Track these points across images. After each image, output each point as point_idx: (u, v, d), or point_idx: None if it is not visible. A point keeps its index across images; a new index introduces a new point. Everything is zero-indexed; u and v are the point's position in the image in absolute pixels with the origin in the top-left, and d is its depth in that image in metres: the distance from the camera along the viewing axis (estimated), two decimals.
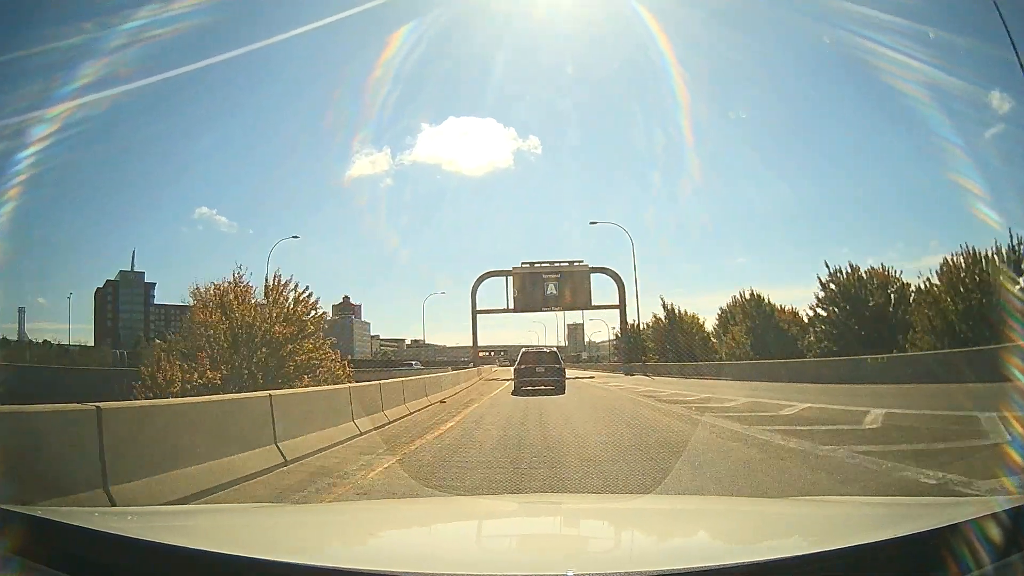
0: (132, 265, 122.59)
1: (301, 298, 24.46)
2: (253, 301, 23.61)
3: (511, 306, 55.58)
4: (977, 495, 4.74)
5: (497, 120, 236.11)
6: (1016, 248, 23.61)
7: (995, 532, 1.41)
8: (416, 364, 77.50)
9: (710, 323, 47.27)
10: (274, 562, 1.42)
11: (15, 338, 64.62)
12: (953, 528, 1.43)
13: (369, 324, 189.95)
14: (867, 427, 9.54)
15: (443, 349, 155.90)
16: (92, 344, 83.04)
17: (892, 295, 31.64)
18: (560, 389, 21.70)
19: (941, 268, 26.93)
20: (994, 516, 1.45)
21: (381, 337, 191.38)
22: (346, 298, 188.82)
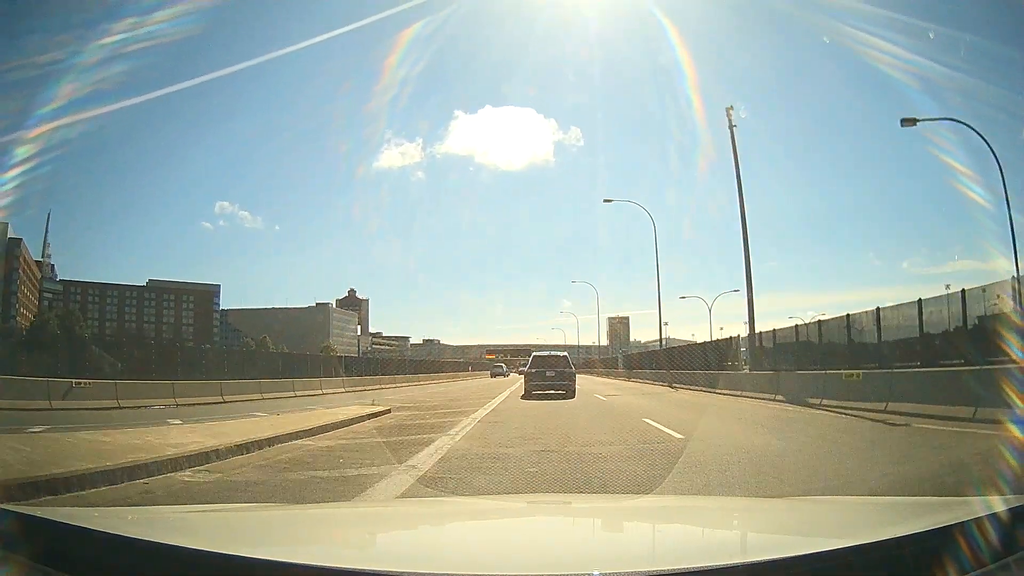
0: (44, 235, 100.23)
1: None
2: None
3: None
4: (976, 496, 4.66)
5: (537, 110, 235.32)
6: None
7: (995, 532, 1.42)
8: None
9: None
10: (274, 562, 1.42)
11: None
12: (953, 528, 1.44)
13: (355, 316, 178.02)
14: None
15: (456, 349, 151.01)
16: None
17: None
18: (571, 394, 22.18)
19: None
20: (994, 516, 1.46)
21: (384, 334, 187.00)
22: (351, 291, 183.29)
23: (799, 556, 1.41)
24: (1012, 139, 58.96)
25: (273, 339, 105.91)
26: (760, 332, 26.07)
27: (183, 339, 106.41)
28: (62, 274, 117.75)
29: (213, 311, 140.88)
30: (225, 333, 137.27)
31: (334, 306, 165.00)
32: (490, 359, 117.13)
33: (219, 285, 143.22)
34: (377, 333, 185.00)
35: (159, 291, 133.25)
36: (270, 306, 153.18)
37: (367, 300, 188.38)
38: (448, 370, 63.05)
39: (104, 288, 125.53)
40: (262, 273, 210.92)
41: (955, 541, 1.39)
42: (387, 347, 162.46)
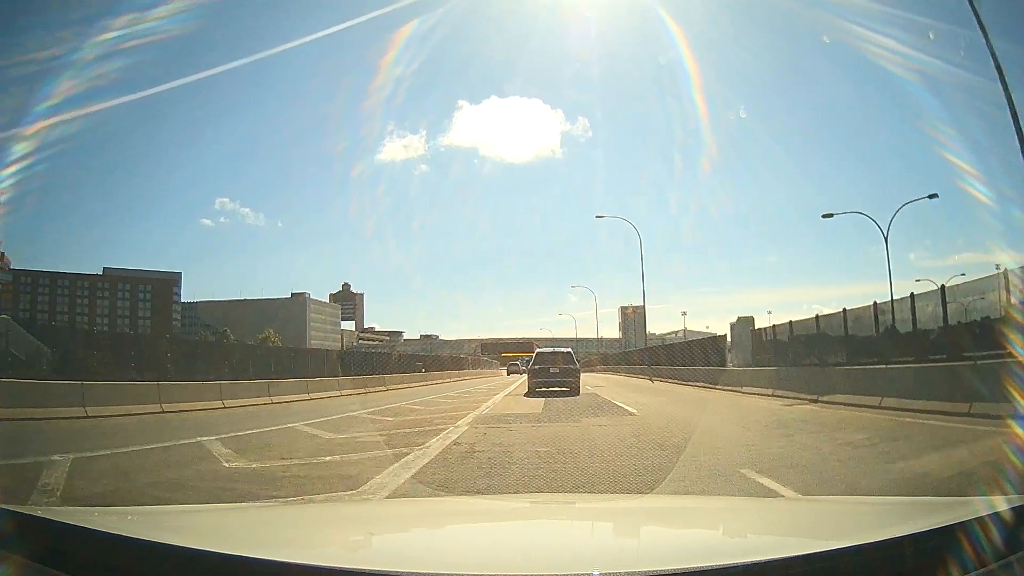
0: None
1: None
2: None
3: None
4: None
5: (543, 100, 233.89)
6: None
7: (997, 531, 1.41)
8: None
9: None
10: (274, 562, 1.42)
11: None
12: (954, 527, 1.44)
13: (339, 308, 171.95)
14: None
15: (455, 344, 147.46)
16: None
17: None
18: (575, 391, 21.94)
19: None
20: (996, 515, 1.45)
21: (377, 329, 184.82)
22: (346, 285, 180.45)
23: (799, 556, 1.40)
24: (1013, 135, 59.37)
25: (245, 332, 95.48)
26: None
27: (139, 331, 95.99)
28: (61, 270, 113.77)
29: (173, 301, 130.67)
30: (196, 326, 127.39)
31: (312, 297, 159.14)
32: (487, 347, 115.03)
33: (180, 273, 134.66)
34: (369, 328, 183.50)
35: (114, 280, 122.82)
36: (242, 297, 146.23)
37: (361, 295, 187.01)
38: (439, 368, 52.26)
39: (55, 277, 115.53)
40: (262, 270, 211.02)
41: (957, 541, 1.39)
42: (378, 342, 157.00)
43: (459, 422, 12.19)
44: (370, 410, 16.36)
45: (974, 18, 14.97)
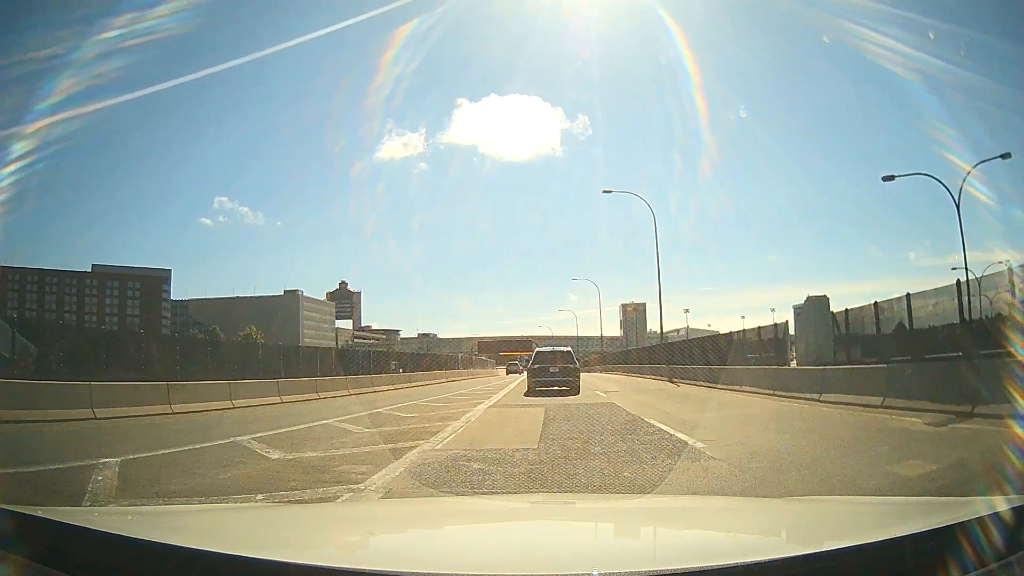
0: None
1: None
2: None
3: None
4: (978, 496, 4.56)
5: (543, 99, 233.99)
6: None
7: (997, 531, 1.41)
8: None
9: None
10: (274, 562, 1.42)
11: None
12: (954, 527, 1.44)
13: (333, 306, 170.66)
14: None
15: (454, 343, 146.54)
16: None
17: None
18: (574, 390, 21.94)
19: None
20: (996, 515, 1.46)
21: (373, 327, 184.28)
22: (342, 284, 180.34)
23: (799, 556, 1.41)
24: (1013, 135, 59.93)
25: (236, 330, 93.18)
26: None
27: (127, 328, 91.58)
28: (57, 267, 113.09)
29: (162, 299, 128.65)
30: (187, 324, 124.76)
31: (309, 295, 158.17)
32: (485, 346, 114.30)
33: (169, 270, 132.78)
34: (366, 326, 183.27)
35: (102, 277, 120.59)
36: (234, 295, 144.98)
37: (359, 293, 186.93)
38: (426, 367, 46.91)
39: (43, 275, 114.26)
40: (261, 269, 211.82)
41: (957, 541, 1.39)
42: (374, 341, 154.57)
43: (376, 478, 6.32)
44: (262, 434, 10.50)
45: (973, 17, 15.01)
